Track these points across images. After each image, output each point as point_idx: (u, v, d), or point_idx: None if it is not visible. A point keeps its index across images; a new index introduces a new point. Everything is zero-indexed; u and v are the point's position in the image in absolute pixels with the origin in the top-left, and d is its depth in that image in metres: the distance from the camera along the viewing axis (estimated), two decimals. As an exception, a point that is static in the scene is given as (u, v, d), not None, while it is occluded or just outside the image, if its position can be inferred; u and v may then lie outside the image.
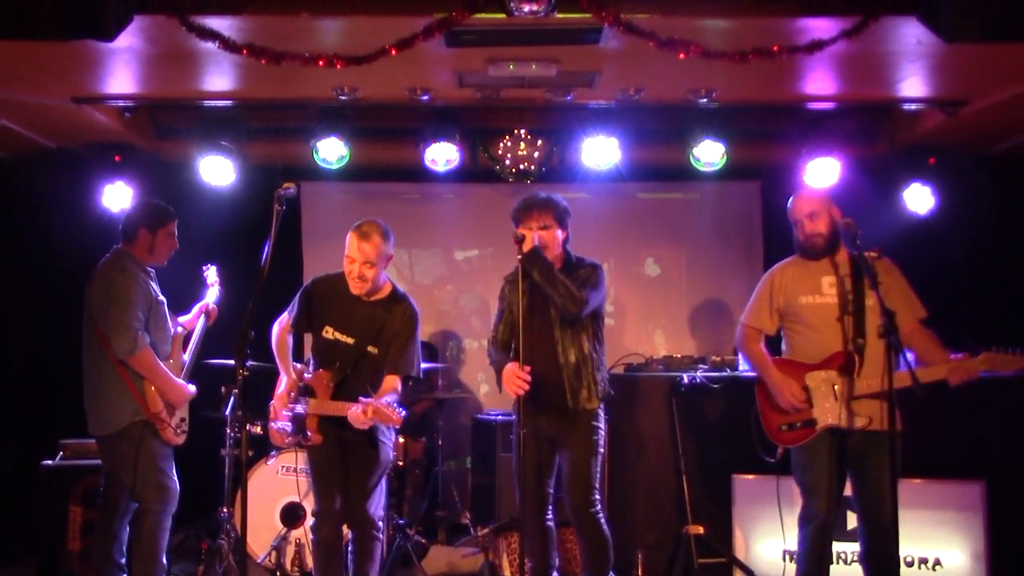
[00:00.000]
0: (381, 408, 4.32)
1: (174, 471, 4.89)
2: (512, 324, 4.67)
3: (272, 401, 4.83)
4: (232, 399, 5.49)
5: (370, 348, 4.65)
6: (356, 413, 4.38)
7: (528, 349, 4.45)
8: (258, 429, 5.89)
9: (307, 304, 4.80)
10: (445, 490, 6.69)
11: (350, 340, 4.66)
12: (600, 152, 6.24)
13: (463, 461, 7.34)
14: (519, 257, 4.51)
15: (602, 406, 4.69)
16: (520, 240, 4.53)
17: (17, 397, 6.63)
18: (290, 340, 4.88)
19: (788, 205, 4.77)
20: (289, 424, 4.70)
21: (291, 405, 4.71)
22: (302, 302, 4.82)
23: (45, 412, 6.51)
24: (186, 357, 5.08)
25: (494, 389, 7.53)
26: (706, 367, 6.01)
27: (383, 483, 4.81)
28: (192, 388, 5.01)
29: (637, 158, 6.76)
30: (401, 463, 6.48)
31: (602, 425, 4.69)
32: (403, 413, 4.36)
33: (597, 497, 4.60)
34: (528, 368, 4.40)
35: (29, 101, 5.67)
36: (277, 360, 4.84)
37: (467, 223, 7.88)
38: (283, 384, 4.81)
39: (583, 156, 6.32)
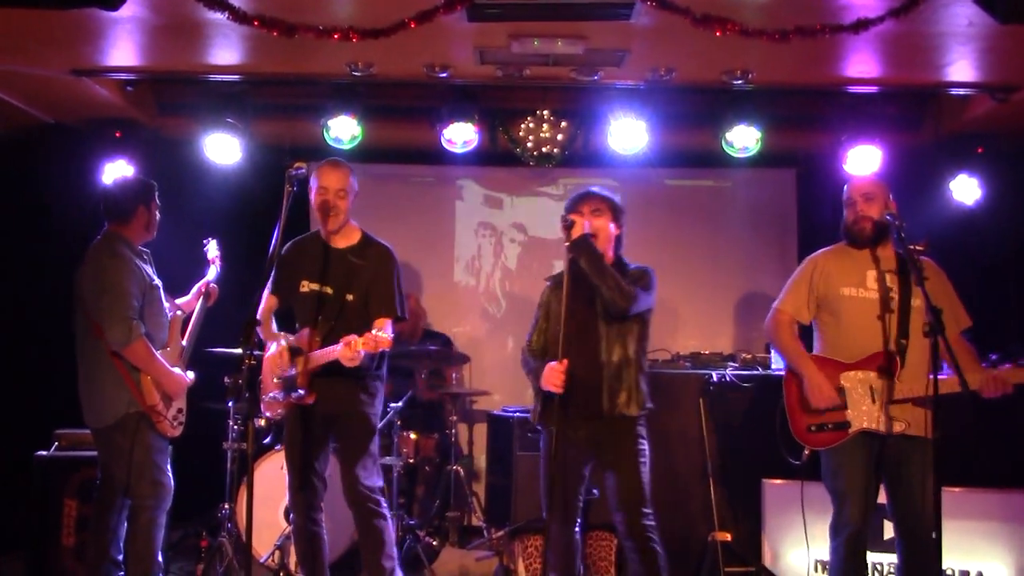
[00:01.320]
0: (367, 337, 4.37)
1: (169, 466, 4.89)
2: (549, 331, 4.61)
3: (261, 376, 4.88)
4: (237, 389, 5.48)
5: (348, 296, 4.72)
6: (342, 350, 4.44)
7: (568, 346, 4.34)
8: (262, 422, 5.90)
9: (281, 267, 4.84)
10: (458, 490, 6.68)
11: (328, 290, 4.73)
12: (627, 136, 6.21)
13: (477, 459, 7.35)
14: (567, 244, 4.38)
15: (644, 417, 4.52)
16: (570, 225, 4.40)
17: (12, 383, 6.65)
18: (272, 318, 4.97)
19: (846, 186, 4.72)
20: (280, 392, 4.75)
21: (280, 372, 4.75)
22: (277, 267, 4.84)
23: (41, 400, 6.52)
24: (184, 342, 5.06)
25: (510, 383, 7.64)
26: (736, 365, 5.98)
27: (375, 451, 4.85)
28: (190, 377, 5.00)
29: (666, 143, 6.73)
30: (412, 460, 6.49)
31: (645, 436, 4.53)
32: (390, 336, 4.42)
33: (649, 511, 4.45)
34: (565, 363, 4.29)
35: (27, 73, 5.68)
36: (262, 335, 4.87)
37: (486, 209, 7.87)
38: (270, 351, 4.87)
39: (609, 140, 6.29)
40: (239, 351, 5.76)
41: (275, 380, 4.81)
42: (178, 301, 5.21)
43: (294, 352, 4.71)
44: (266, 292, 4.86)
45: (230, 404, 6.07)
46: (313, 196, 4.78)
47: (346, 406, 4.73)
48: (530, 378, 4.60)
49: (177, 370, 4.91)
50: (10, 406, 6.60)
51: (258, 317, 4.71)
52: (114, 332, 4.62)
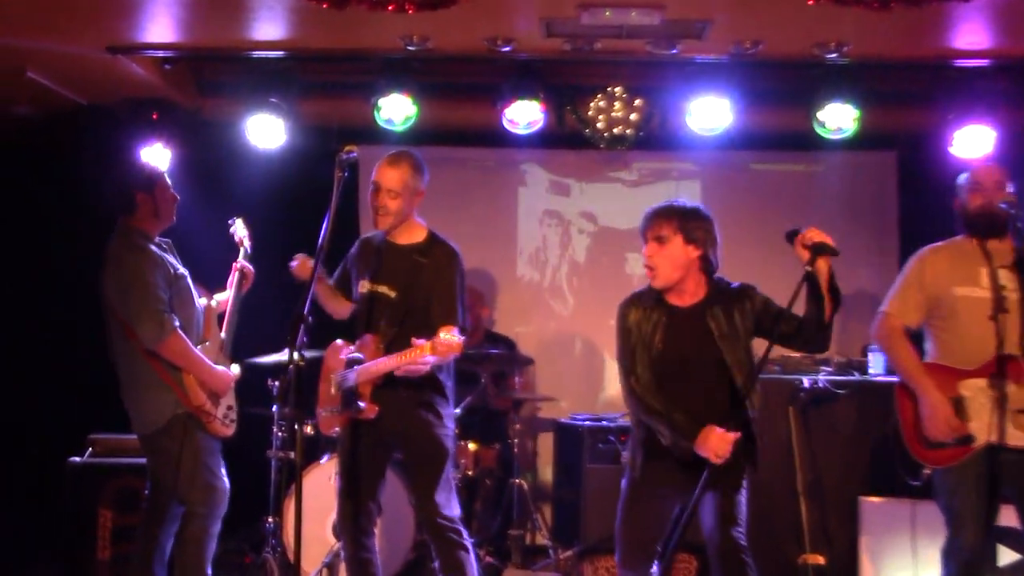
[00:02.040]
0: (435, 342, 4.32)
1: (223, 469, 4.98)
2: (655, 362, 4.33)
3: (320, 384, 4.96)
4: (282, 393, 5.60)
5: (412, 299, 4.74)
6: (408, 356, 4.43)
7: (682, 386, 4.25)
8: (309, 429, 6.01)
9: (345, 264, 4.99)
10: (521, 505, 6.73)
11: (391, 293, 4.77)
12: (709, 115, 6.21)
13: (543, 472, 7.39)
14: (808, 268, 4.22)
15: None
16: (823, 251, 4.19)
17: (45, 385, 6.82)
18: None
19: (970, 172, 4.69)
20: (338, 405, 4.81)
21: (339, 379, 4.83)
22: (342, 264, 5.04)
23: (74, 402, 6.67)
24: (223, 334, 5.14)
25: (579, 388, 7.68)
26: (830, 369, 5.96)
27: (451, 476, 4.88)
28: (235, 370, 5.11)
29: (752, 123, 6.71)
30: (471, 472, 6.55)
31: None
32: (461, 338, 4.35)
33: (743, 529, 4.38)
34: (737, 434, 4.12)
35: (59, 51, 5.85)
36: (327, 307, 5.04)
37: (551, 196, 7.95)
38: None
39: (689, 120, 6.29)
40: (284, 354, 6.00)
41: (332, 391, 4.89)
42: (218, 297, 5.31)
43: (355, 362, 4.76)
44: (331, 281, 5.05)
45: (275, 409, 6.19)
46: (370, 193, 4.86)
47: (414, 424, 4.74)
48: (642, 418, 4.35)
49: (220, 366, 5.01)
50: (42, 408, 6.77)
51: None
52: (145, 329, 4.68)
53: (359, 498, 4.81)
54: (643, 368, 4.30)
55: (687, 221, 4.29)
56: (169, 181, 5.09)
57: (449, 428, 4.83)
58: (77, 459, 5.94)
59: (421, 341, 4.40)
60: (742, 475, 4.33)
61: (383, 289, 4.80)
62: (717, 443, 4.09)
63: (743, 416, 4.21)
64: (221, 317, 5.21)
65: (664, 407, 4.24)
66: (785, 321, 4.24)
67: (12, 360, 6.85)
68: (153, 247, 4.88)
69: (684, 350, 4.29)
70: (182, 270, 4.97)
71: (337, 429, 4.88)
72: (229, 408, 5.02)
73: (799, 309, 4.25)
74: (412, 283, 4.75)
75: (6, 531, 6.55)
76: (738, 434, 4.12)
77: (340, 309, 5.14)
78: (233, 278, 5.33)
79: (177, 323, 4.76)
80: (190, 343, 4.83)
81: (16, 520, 6.61)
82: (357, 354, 4.76)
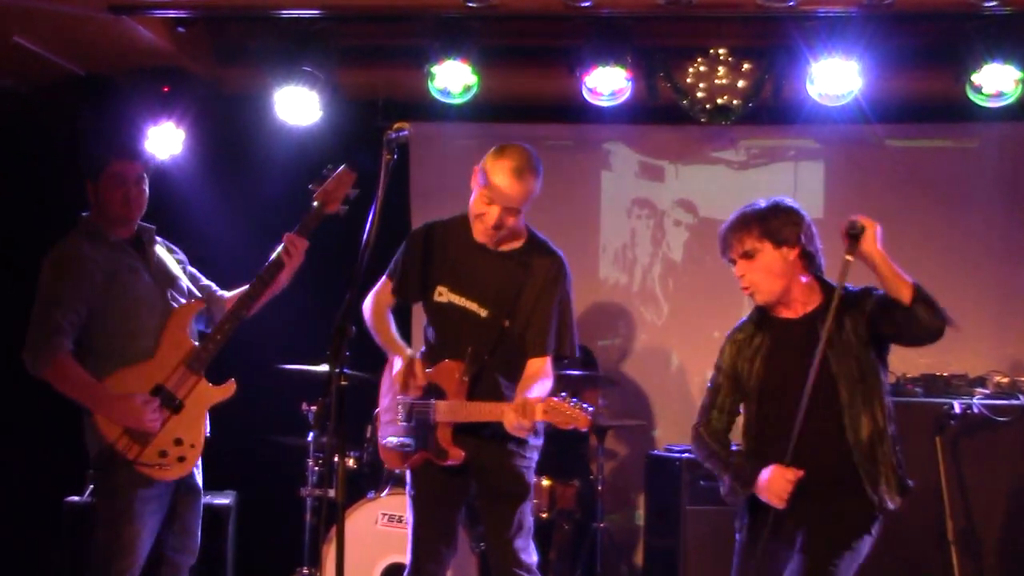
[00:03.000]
0: (556, 405, 4.27)
1: (145, 525, 4.75)
2: (735, 406, 4.47)
3: (377, 409, 4.88)
4: (320, 419, 5.58)
5: (506, 321, 4.66)
6: (512, 417, 4.36)
7: (787, 409, 4.24)
8: (351, 462, 6.00)
9: (416, 255, 4.83)
10: (606, 554, 6.69)
11: (480, 311, 4.69)
12: (833, 81, 6.14)
13: (631, 514, 7.33)
14: (847, 257, 4.19)
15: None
16: (857, 233, 4.17)
17: (41, 418, 6.88)
18: (390, 316, 4.94)
19: None
20: (410, 439, 4.71)
21: (406, 401, 4.74)
22: (408, 253, 4.88)
23: (73, 438, 6.74)
24: (198, 341, 4.93)
25: (675, 414, 7.60)
26: (987, 391, 5.88)
27: (531, 518, 4.85)
28: (150, 411, 4.72)
29: (887, 89, 6.64)
30: (545, 515, 6.51)
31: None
32: (590, 409, 4.32)
33: None
34: (799, 472, 4.17)
35: (52, 11, 5.88)
36: (380, 341, 4.87)
37: (642, 182, 7.87)
38: (396, 365, 4.78)
39: (809, 87, 6.23)
40: (323, 368, 6.01)
41: (399, 419, 4.81)
42: (225, 294, 5.23)
43: (431, 391, 4.69)
44: (382, 281, 4.93)
45: (310, 438, 6.19)
46: (474, 196, 4.71)
47: (494, 456, 4.69)
48: (716, 471, 4.50)
49: (133, 395, 4.73)
50: (40, 444, 6.84)
51: (368, 320, 4.89)
52: (25, 354, 4.71)
53: (436, 544, 4.79)
54: (719, 412, 4.52)
55: (768, 223, 4.34)
56: (127, 173, 4.89)
57: (531, 460, 4.81)
58: (76, 498, 6.01)
59: (536, 400, 4.35)
60: (851, 531, 4.27)
61: (470, 305, 4.72)
62: (774, 483, 4.19)
63: (843, 445, 4.23)
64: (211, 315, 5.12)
65: (721, 449, 4.45)
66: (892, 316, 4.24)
67: (4, 387, 6.93)
68: (93, 246, 4.84)
69: (790, 368, 4.32)
70: (148, 269, 4.91)
71: (407, 464, 4.81)
72: (176, 441, 4.77)
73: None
74: (509, 301, 4.68)
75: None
76: (799, 472, 4.16)
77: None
78: (277, 256, 5.03)
79: (68, 346, 4.70)
80: (80, 369, 4.72)
81: (11, 563, 6.69)
82: (435, 382, 4.68)
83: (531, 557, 4.76)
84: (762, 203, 4.41)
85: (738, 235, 4.37)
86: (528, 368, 4.63)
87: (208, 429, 4.91)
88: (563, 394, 4.33)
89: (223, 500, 6.54)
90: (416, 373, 4.67)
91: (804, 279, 4.37)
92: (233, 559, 6.61)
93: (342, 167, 4.96)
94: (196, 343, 4.91)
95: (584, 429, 4.37)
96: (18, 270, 6.96)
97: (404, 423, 4.78)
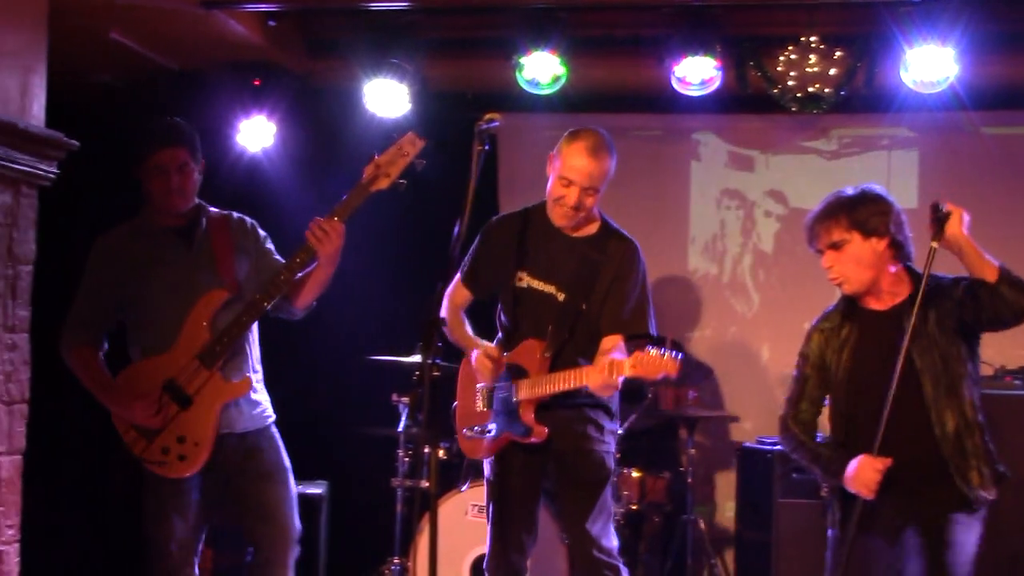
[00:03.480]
0: (643, 357, 4.27)
1: (177, 524, 4.71)
2: (823, 397, 4.43)
3: (455, 403, 4.90)
4: (413, 409, 5.60)
5: (583, 304, 4.69)
6: (595, 375, 4.38)
7: (874, 403, 4.19)
8: (441, 453, 6.02)
9: (490, 247, 4.87)
10: (696, 547, 6.68)
11: (559, 294, 4.71)
12: (928, 67, 6.06)
13: (723, 507, 7.28)
14: (932, 244, 4.14)
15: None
16: (943, 219, 4.11)
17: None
18: (464, 316, 4.97)
19: None
20: (492, 423, 4.72)
21: (485, 387, 4.76)
22: (482, 246, 4.91)
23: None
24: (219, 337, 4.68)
25: (767, 405, 7.52)
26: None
27: (611, 503, 4.86)
28: (144, 407, 4.62)
29: (983, 76, 6.54)
30: (635, 506, 6.51)
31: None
32: (678, 356, 4.29)
33: None
34: (888, 461, 4.12)
35: (147, 6, 5.98)
36: (455, 338, 4.86)
37: (731, 172, 7.84)
38: (473, 360, 4.80)
39: (903, 74, 6.14)
40: (413, 359, 6.04)
41: (480, 407, 4.85)
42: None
43: (513, 371, 4.71)
44: (454, 281, 4.92)
45: (400, 429, 6.23)
46: (551, 181, 4.73)
47: (570, 440, 4.70)
48: (804, 462, 4.48)
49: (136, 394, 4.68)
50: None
51: (443, 315, 4.75)
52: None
53: (515, 531, 4.79)
54: (808, 403, 4.46)
55: (857, 213, 4.28)
56: (167, 163, 4.76)
57: (610, 445, 4.81)
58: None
59: (619, 356, 4.39)
60: (961, 526, 4.20)
61: (548, 288, 4.75)
62: (862, 472, 4.14)
63: (930, 438, 4.18)
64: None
65: (809, 440, 4.39)
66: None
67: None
68: (131, 238, 4.85)
69: (877, 361, 4.27)
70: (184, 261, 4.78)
71: (487, 454, 4.82)
72: (180, 440, 4.63)
73: None
74: (584, 284, 4.70)
75: (93, 565, 6.76)
76: (888, 461, 4.10)
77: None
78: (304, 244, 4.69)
79: (80, 338, 4.75)
80: (87, 362, 4.75)
81: (105, 557, 6.80)
82: (515, 362, 4.70)
83: (611, 542, 4.76)
84: (849, 191, 4.36)
85: (825, 225, 4.31)
86: (603, 344, 4.63)
87: (223, 426, 4.67)
88: (648, 347, 4.31)
89: (315, 490, 6.60)
90: (495, 357, 4.70)
91: (893, 269, 4.31)
92: (325, 549, 6.67)
93: (407, 133, 4.63)
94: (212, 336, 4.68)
95: (674, 376, 4.31)
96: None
97: (484, 410, 4.81)
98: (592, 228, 4.83)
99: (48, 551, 6.02)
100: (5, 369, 4.97)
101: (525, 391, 4.64)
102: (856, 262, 4.26)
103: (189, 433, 4.61)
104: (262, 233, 4.99)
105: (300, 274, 4.69)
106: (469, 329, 4.97)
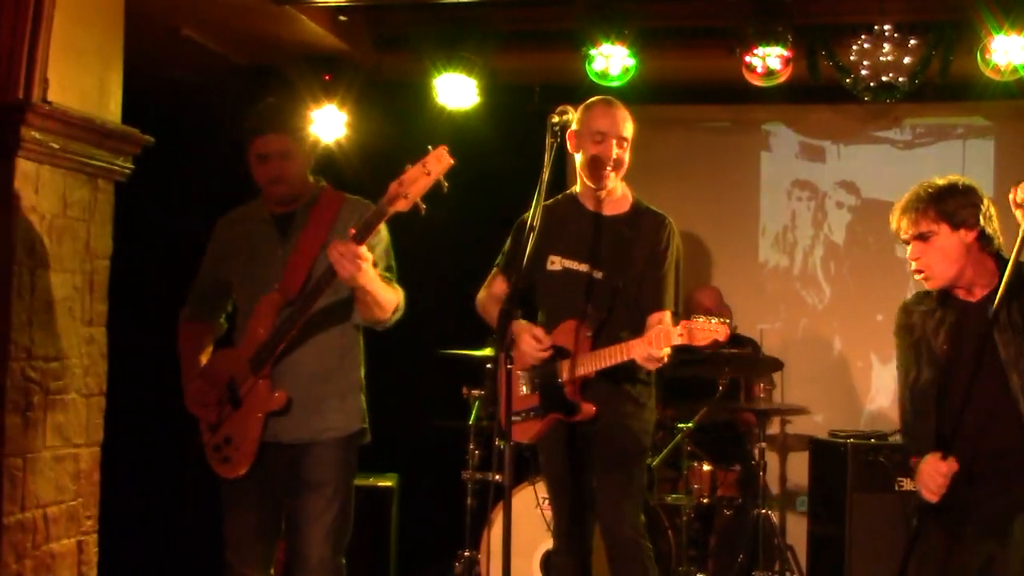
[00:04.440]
0: (691, 324, 4.25)
1: (237, 518, 4.57)
2: (932, 363, 4.24)
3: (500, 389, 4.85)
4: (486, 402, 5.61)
5: (619, 281, 4.66)
6: (641, 347, 4.35)
7: (965, 397, 4.06)
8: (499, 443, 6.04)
9: (520, 239, 4.61)
10: (768, 541, 6.66)
11: (596, 273, 4.69)
12: (1005, 55, 5.98)
13: (795, 500, 7.26)
14: None
15: None
16: None
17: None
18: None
19: None
20: (537, 405, 4.68)
21: (535, 375, 4.72)
22: (516, 236, 4.85)
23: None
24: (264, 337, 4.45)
25: (839, 398, 7.52)
26: None
27: (643, 483, 4.82)
28: (199, 400, 4.53)
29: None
30: (705, 499, 6.50)
31: None
32: (727, 323, 4.27)
33: None
34: (953, 465, 4.01)
35: (219, 3, 6.07)
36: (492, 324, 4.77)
37: (802, 163, 7.82)
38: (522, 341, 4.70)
39: (979, 62, 6.09)
40: (483, 352, 6.08)
41: (524, 391, 4.84)
42: None
43: (556, 352, 4.67)
44: (491, 274, 4.94)
45: (471, 422, 6.26)
46: (584, 148, 4.71)
47: (612, 415, 4.69)
48: (911, 448, 4.28)
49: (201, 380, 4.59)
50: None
51: (480, 302, 4.89)
52: None
53: (577, 507, 4.78)
54: (925, 367, 4.24)
55: (945, 204, 4.12)
56: (266, 151, 4.50)
57: (648, 424, 4.79)
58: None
59: (662, 328, 4.36)
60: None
61: (583, 267, 4.74)
62: (926, 475, 4.03)
63: (1017, 429, 4.02)
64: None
65: (915, 422, 4.22)
66: None
67: (174, 368, 7.11)
68: (240, 223, 4.71)
69: (967, 352, 4.13)
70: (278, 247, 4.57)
71: (538, 431, 4.74)
72: (226, 440, 4.50)
73: None
74: (620, 261, 4.69)
75: (170, 557, 6.86)
76: (954, 466, 3.97)
77: None
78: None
79: (188, 312, 4.74)
80: (184, 338, 4.73)
81: (179, 546, 6.91)
82: (556, 344, 4.64)
83: (640, 519, 4.71)
84: (939, 182, 4.21)
85: (912, 216, 4.16)
86: (649, 320, 4.60)
87: (268, 435, 4.41)
88: (701, 317, 4.30)
89: (386, 483, 6.64)
90: (540, 337, 4.61)
91: (982, 261, 4.18)
92: (396, 541, 6.72)
93: (437, 148, 4.15)
94: (261, 334, 4.44)
95: (723, 340, 4.28)
96: (184, 256, 7.22)
97: (529, 393, 4.76)
98: (624, 206, 4.81)
99: (126, 542, 6.11)
100: (83, 362, 5.09)
101: (569, 371, 4.62)
102: (943, 255, 4.14)
103: (235, 436, 4.46)
104: (380, 235, 4.55)
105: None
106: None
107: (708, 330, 4.24)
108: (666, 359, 4.38)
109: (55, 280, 4.90)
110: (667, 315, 4.64)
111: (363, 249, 4.09)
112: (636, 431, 4.73)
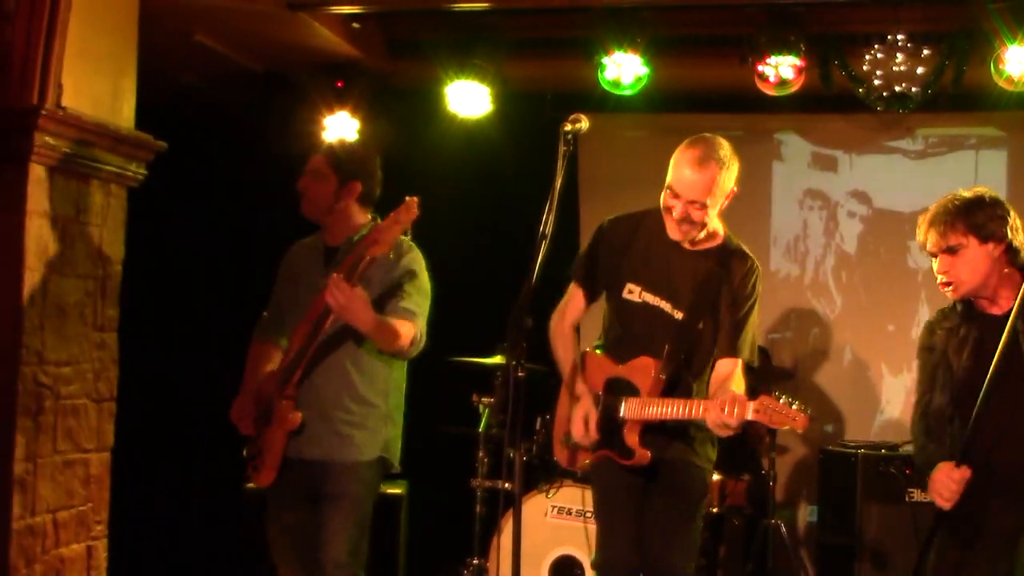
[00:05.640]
0: (770, 404, 4.05)
1: (278, 525, 4.75)
2: (958, 385, 4.19)
3: (557, 408, 4.77)
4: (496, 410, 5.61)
5: (701, 323, 4.47)
6: (715, 415, 4.14)
7: (992, 408, 4.06)
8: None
9: (603, 249, 4.64)
10: (778, 551, 6.64)
11: (677, 313, 4.48)
12: (1021, 65, 5.97)
13: (805, 511, 7.25)
14: None
15: None
16: None
17: (221, 395, 7.08)
18: (576, 328, 4.73)
19: None
20: (593, 437, 4.48)
21: (580, 441, 4.54)
22: (595, 247, 4.70)
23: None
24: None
25: (849, 407, 7.50)
26: None
27: (698, 524, 4.67)
28: (241, 414, 4.77)
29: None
30: (715, 509, 6.47)
31: None
32: (807, 411, 4.10)
33: None
34: (966, 472, 4.01)
35: (232, 9, 6.07)
36: (559, 355, 4.69)
37: (814, 172, 7.81)
38: (578, 385, 4.58)
39: (993, 72, 6.07)
40: (493, 360, 6.08)
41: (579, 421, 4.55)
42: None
43: (621, 387, 4.52)
44: (569, 289, 4.74)
45: (481, 430, 6.26)
46: (665, 189, 4.49)
47: (671, 451, 4.52)
48: (921, 461, 4.25)
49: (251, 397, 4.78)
50: (221, 425, 7.03)
51: (552, 334, 4.71)
52: None
53: (629, 539, 4.53)
54: (940, 392, 4.22)
55: (974, 217, 4.13)
56: (316, 168, 4.73)
57: (709, 473, 4.63)
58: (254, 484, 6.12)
59: (738, 397, 4.14)
60: None
61: (664, 305, 4.52)
62: (938, 483, 4.03)
63: None
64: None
65: (934, 433, 4.17)
66: None
67: (186, 372, 7.13)
68: (298, 250, 4.91)
69: (990, 365, 4.10)
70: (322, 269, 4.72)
71: (587, 463, 4.62)
72: (258, 452, 4.70)
73: None
74: (703, 303, 4.48)
75: (179, 562, 6.86)
76: (966, 473, 3.97)
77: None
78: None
79: (262, 337, 4.91)
80: (253, 351, 4.91)
81: (191, 550, 6.91)
82: (627, 378, 4.49)
83: (688, 564, 4.52)
84: (965, 194, 4.20)
85: (941, 229, 4.15)
86: (719, 368, 4.44)
87: (291, 451, 4.61)
88: (775, 392, 4.11)
89: (395, 490, 6.63)
90: (591, 420, 4.47)
91: (1009, 274, 4.18)
92: (405, 548, 6.71)
93: (407, 200, 4.37)
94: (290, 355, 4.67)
95: (800, 430, 4.17)
96: (196, 260, 7.25)
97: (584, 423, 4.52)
98: (713, 243, 4.58)
99: (136, 547, 6.12)
100: (95, 367, 5.11)
101: (632, 411, 4.43)
102: (971, 268, 4.14)
103: (264, 449, 4.67)
104: (408, 270, 4.74)
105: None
106: (577, 348, 4.73)
107: (786, 416, 4.07)
108: (736, 431, 4.20)
109: (67, 285, 4.92)
110: (739, 365, 4.46)
111: (357, 288, 4.32)
112: (701, 473, 4.56)
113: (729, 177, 4.48)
